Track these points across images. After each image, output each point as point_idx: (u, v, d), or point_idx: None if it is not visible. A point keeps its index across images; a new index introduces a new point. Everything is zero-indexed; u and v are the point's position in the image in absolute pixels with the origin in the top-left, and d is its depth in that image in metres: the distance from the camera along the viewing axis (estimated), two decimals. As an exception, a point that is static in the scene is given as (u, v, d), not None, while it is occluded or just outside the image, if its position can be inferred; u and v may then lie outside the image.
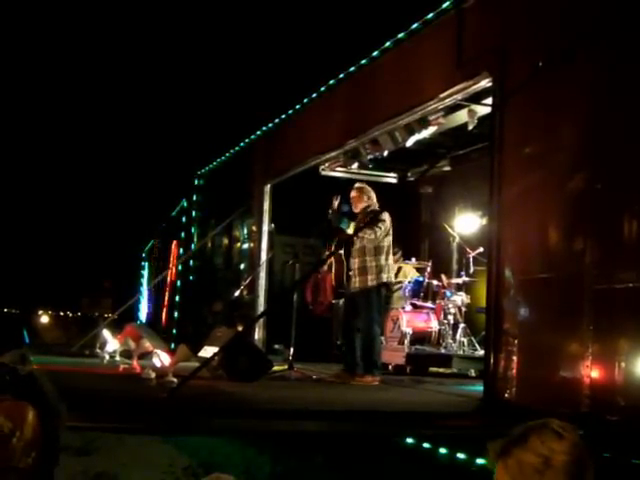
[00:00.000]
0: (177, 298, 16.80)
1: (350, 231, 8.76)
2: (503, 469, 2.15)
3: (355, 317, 8.48)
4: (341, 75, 10.29)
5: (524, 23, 6.66)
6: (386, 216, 8.45)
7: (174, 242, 17.88)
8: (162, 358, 8.31)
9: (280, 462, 5.45)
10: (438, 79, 7.97)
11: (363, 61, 9.67)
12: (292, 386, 8.06)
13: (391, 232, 8.55)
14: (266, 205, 12.43)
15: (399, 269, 11.09)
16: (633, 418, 4.98)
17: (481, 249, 9.82)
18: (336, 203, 9.05)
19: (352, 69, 9.99)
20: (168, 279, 17.77)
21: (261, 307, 12.13)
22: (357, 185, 8.96)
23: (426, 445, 5.07)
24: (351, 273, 8.61)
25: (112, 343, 10.36)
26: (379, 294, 8.45)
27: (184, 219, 16.86)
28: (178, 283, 16.92)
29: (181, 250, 17.08)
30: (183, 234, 16.85)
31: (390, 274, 8.57)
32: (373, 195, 8.76)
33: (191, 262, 16.40)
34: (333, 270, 9.04)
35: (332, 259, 9.49)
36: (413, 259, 11.32)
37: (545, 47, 6.23)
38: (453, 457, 4.82)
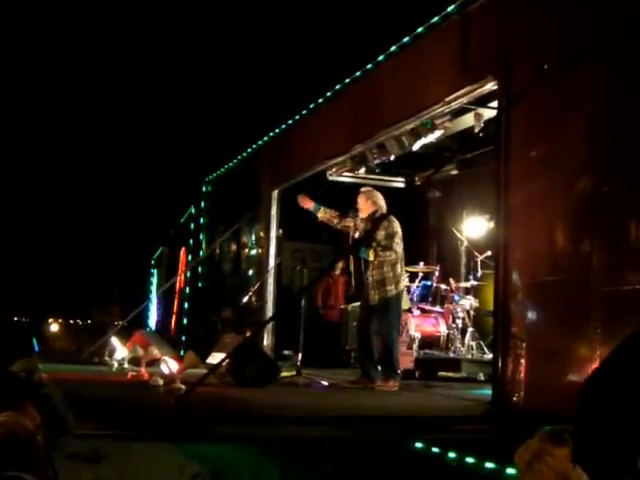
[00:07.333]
0: (186, 305, 16.81)
1: (371, 258, 8.30)
2: None
3: (375, 325, 8.36)
4: (347, 80, 10.29)
5: (529, 26, 6.65)
6: (397, 226, 8.31)
7: (182, 249, 17.89)
8: (170, 365, 8.31)
9: (290, 468, 5.43)
10: (444, 83, 7.97)
11: (369, 66, 9.67)
12: (301, 392, 8.04)
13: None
14: (274, 211, 12.43)
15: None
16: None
17: (489, 253, 9.81)
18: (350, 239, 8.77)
19: (358, 74, 9.99)
20: (177, 286, 17.78)
21: (269, 313, 12.11)
22: (363, 190, 8.79)
23: (435, 449, 5.05)
24: (368, 284, 8.34)
25: (121, 350, 10.40)
26: (399, 302, 8.46)
27: (192, 226, 16.87)
28: (187, 290, 16.93)
29: (189, 257, 17.09)
30: (191, 241, 16.85)
31: (405, 281, 8.52)
32: (380, 200, 8.58)
33: (199, 269, 16.40)
34: (353, 280, 8.76)
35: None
36: (421, 263, 11.25)
37: (550, 50, 6.22)
38: (462, 461, 4.81)
